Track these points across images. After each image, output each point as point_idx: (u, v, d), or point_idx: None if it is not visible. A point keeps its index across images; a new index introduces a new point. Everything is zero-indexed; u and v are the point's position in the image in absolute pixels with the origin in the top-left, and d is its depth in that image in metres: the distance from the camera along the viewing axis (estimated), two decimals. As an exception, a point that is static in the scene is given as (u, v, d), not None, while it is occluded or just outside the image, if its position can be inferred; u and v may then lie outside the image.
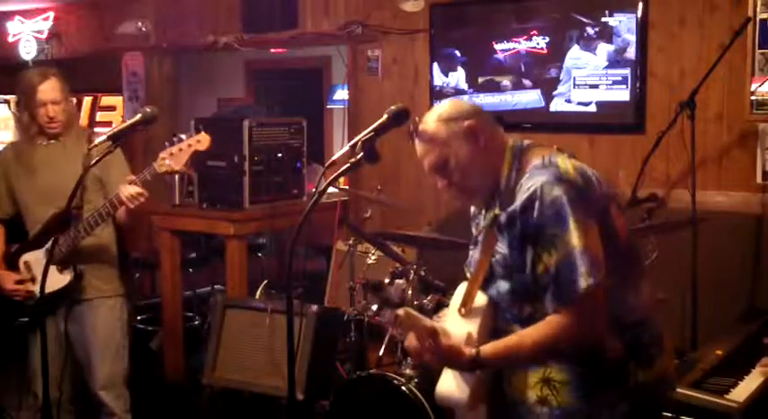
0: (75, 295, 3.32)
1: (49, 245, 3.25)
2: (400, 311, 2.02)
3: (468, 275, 2.16)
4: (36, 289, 3.26)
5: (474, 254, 2.15)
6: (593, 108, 4.28)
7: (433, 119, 2.09)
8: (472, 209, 2.22)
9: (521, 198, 1.94)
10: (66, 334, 3.38)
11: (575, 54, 4.29)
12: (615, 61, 4.16)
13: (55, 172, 3.32)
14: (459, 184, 2.09)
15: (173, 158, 3.12)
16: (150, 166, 3.15)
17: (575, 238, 1.88)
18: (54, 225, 3.24)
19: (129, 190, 3.08)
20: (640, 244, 2.21)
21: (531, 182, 1.94)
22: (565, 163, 1.98)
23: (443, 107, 2.11)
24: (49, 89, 3.29)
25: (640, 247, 2.13)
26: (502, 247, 2.00)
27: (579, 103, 4.32)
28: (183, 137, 3.20)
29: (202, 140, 3.17)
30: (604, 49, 4.19)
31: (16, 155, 3.45)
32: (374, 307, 3.71)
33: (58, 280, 3.23)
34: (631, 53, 4.10)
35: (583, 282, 1.86)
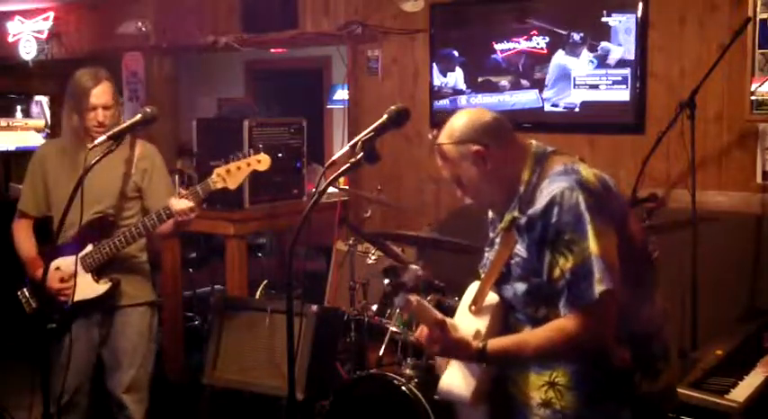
0: (108, 302, 3.30)
1: (84, 252, 3.23)
2: (412, 298, 2.04)
3: (483, 275, 2.17)
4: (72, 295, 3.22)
5: (489, 255, 2.16)
6: (577, 109, 4.31)
7: (445, 136, 2.11)
8: (490, 213, 2.23)
9: (541, 202, 1.96)
10: (100, 343, 3.37)
11: (560, 59, 4.32)
12: (600, 66, 4.19)
13: (93, 176, 3.25)
14: (473, 198, 2.15)
15: (229, 176, 3.08)
16: (204, 182, 3.11)
17: (592, 245, 1.89)
18: (89, 231, 3.21)
19: (180, 204, 3.07)
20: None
21: (551, 187, 1.96)
22: (587, 171, 2.00)
23: (457, 124, 2.11)
24: (101, 93, 3.24)
25: (654, 258, 2.14)
26: (521, 250, 2.01)
27: (565, 107, 4.34)
28: (240, 154, 3.10)
29: (263, 161, 3.11)
30: (587, 56, 4.22)
31: (57, 154, 3.37)
32: (374, 307, 3.71)
33: (93, 289, 3.21)
34: (615, 58, 4.10)
35: (597, 289, 1.88)
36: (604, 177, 2.02)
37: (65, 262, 3.22)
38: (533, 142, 2.12)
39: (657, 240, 3.34)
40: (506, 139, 2.10)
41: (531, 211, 1.97)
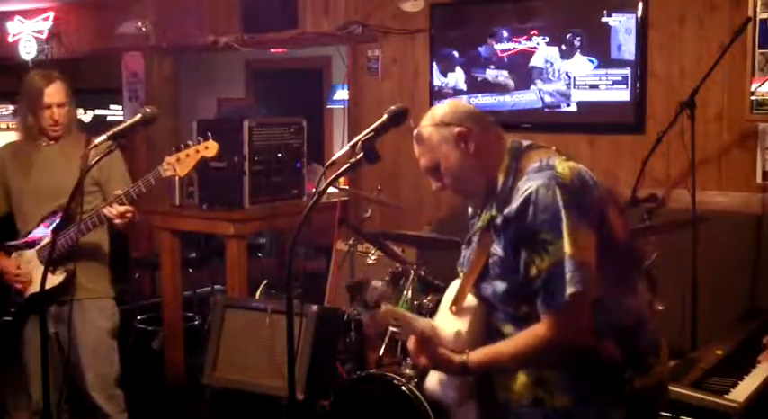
0: (65, 296, 3.30)
1: (41, 244, 3.28)
2: (380, 310, 2.07)
3: (461, 275, 2.16)
4: (28, 287, 3.28)
5: (467, 253, 2.15)
6: (573, 108, 4.32)
7: (427, 122, 2.10)
8: (470, 208, 2.23)
9: (516, 201, 1.94)
10: (57, 335, 3.38)
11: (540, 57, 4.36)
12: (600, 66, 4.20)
13: (52, 173, 3.33)
14: (451, 187, 2.12)
15: (179, 164, 3.12)
16: (155, 171, 3.14)
17: (566, 245, 1.87)
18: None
19: (112, 210, 3.10)
20: (640, 244, 2.19)
21: (527, 185, 1.94)
22: (562, 166, 1.97)
23: (439, 110, 2.11)
24: (54, 92, 3.32)
25: (639, 249, 2.13)
26: (498, 249, 2.00)
27: (548, 106, 4.37)
28: (191, 143, 3.17)
29: (210, 147, 3.15)
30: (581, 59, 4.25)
31: (14, 154, 3.45)
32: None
33: (49, 280, 3.21)
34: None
35: (568, 290, 1.86)
36: (580, 170, 1.99)
37: (23, 255, 3.32)
38: (509, 138, 2.11)
39: (657, 240, 3.35)
40: (488, 127, 2.10)
41: (506, 211, 1.96)
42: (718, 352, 2.97)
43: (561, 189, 1.91)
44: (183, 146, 3.17)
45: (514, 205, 1.94)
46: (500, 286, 2.01)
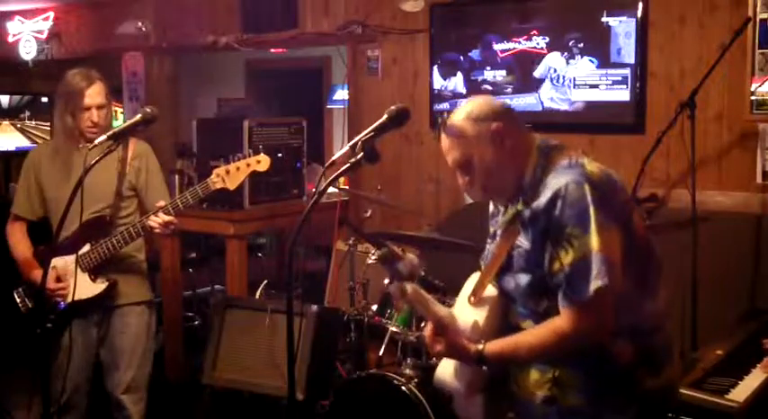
0: (106, 302, 3.30)
1: (81, 252, 3.23)
2: (408, 286, 2.06)
3: (483, 267, 2.16)
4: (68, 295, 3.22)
5: (491, 247, 2.16)
6: (577, 108, 4.33)
7: (462, 116, 2.09)
8: (491, 207, 2.23)
9: (546, 195, 1.95)
10: (97, 340, 3.37)
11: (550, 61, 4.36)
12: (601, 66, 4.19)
13: (91, 176, 3.23)
14: (480, 183, 2.11)
15: (228, 176, 3.10)
16: (204, 183, 3.13)
17: (593, 240, 1.88)
18: (86, 231, 3.21)
19: (157, 219, 3.08)
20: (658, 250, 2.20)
21: (556, 181, 1.96)
22: (591, 165, 2.00)
23: (474, 105, 2.10)
24: (95, 93, 3.25)
25: (658, 254, 2.12)
26: (524, 242, 2.01)
27: (551, 108, 4.39)
28: (240, 155, 3.14)
29: (263, 161, 3.13)
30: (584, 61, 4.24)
31: (51, 156, 3.36)
32: (374, 307, 3.71)
33: (91, 288, 3.21)
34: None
35: (593, 285, 1.87)
36: (609, 172, 2.02)
37: (61, 262, 3.23)
38: (537, 136, 2.13)
39: (657, 240, 3.35)
40: (518, 124, 2.11)
41: (534, 204, 1.97)
42: (719, 352, 2.97)
43: (590, 186, 1.93)
44: (231, 157, 3.13)
45: (543, 199, 1.95)
46: (524, 279, 2.02)
